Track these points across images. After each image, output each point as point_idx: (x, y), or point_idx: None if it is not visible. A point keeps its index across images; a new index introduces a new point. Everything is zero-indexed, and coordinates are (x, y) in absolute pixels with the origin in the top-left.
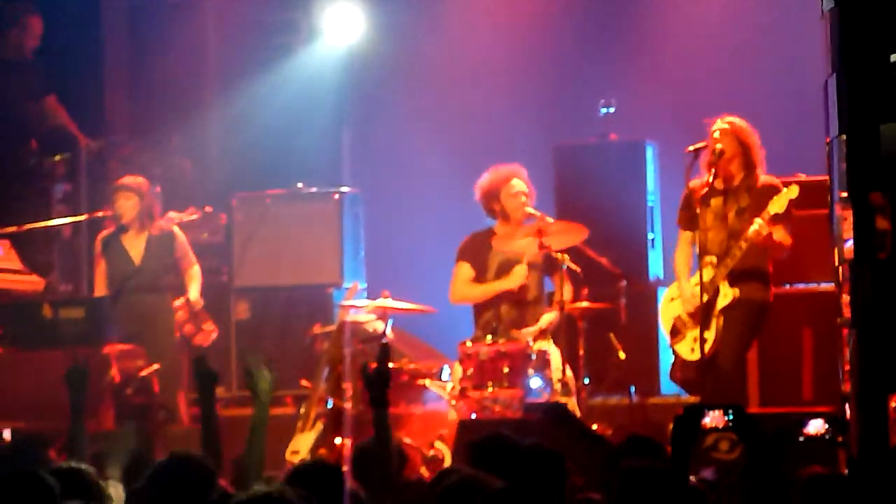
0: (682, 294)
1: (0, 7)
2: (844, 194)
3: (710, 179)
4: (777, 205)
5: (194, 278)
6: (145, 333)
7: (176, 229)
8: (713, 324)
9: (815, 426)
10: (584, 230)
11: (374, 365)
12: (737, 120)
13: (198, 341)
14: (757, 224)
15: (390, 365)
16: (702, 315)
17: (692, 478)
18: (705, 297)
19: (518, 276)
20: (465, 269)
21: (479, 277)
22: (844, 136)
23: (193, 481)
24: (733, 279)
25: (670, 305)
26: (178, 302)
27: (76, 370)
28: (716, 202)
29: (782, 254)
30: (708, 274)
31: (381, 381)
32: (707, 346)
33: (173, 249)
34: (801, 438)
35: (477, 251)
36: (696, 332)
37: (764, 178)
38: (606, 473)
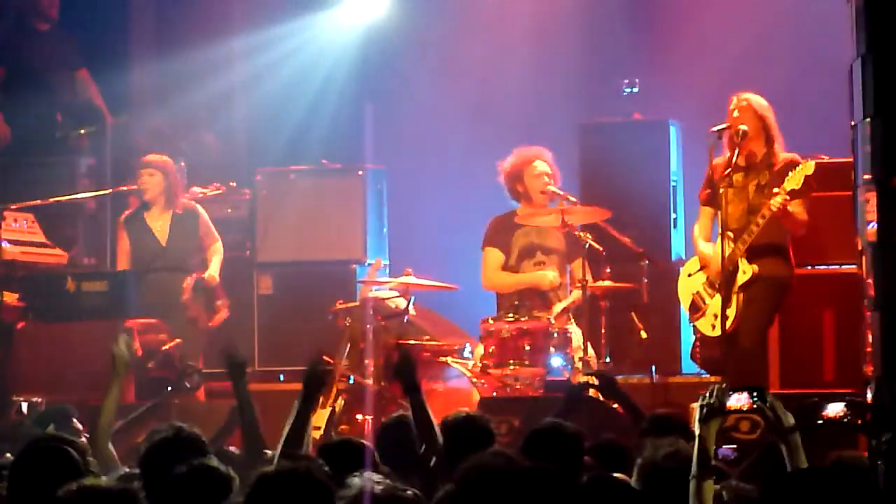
0: (703, 256)
1: None
2: (868, 177)
3: (734, 159)
4: (794, 180)
5: (216, 254)
6: (167, 309)
7: (199, 207)
8: (733, 300)
9: (835, 409)
10: (605, 212)
11: (395, 356)
12: (753, 96)
13: (203, 324)
14: (780, 197)
15: (412, 346)
16: (722, 291)
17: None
18: (725, 273)
19: (548, 279)
20: (495, 255)
21: (505, 261)
22: (869, 120)
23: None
24: (752, 255)
25: (688, 281)
26: (187, 282)
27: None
28: (737, 178)
29: (799, 229)
30: (727, 248)
31: (407, 368)
32: (728, 323)
33: (197, 227)
34: (820, 421)
35: (502, 235)
36: (716, 307)
37: (784, 154)
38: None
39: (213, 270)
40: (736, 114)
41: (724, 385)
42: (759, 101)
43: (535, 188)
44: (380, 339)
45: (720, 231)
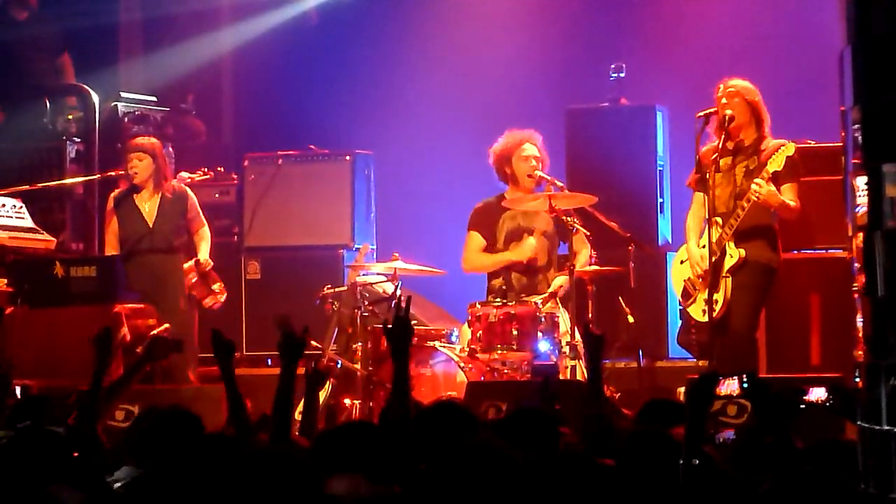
0: (690, 256)
1: None
2: (858, 161)
3: (720, 144)
4: (775, 163)
5: (204, 239)
6: (156, 293)
7: (188, 190)
8: (721, 285)
9: (817, 393)
10: (591, 198)
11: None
12: (741, 82)
13: (208, 304)
14: (756, 183)
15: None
16: (710, 276)
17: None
18: (713, 258)
19: (528, 249)
20: (477, 239)
21: (490, 245)
22: (859, 106)
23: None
24: (739, 239)
25: (681, 268)
26: (188, 264)
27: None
28: (725, 163)
29: (790, 215)
30: (715, 233)
31: (402, 331)
32: (717, 308)
33: (185, 210)
34: (803, 406)
35: (487, 219)
36: (707, 293)
37: (773, 141)
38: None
39: (205, 255)
40: (724, 100)
41: (713, 370)
42: (747, 86)
43: (522, 171)
44: (367, 324)
45: (708, 216)
